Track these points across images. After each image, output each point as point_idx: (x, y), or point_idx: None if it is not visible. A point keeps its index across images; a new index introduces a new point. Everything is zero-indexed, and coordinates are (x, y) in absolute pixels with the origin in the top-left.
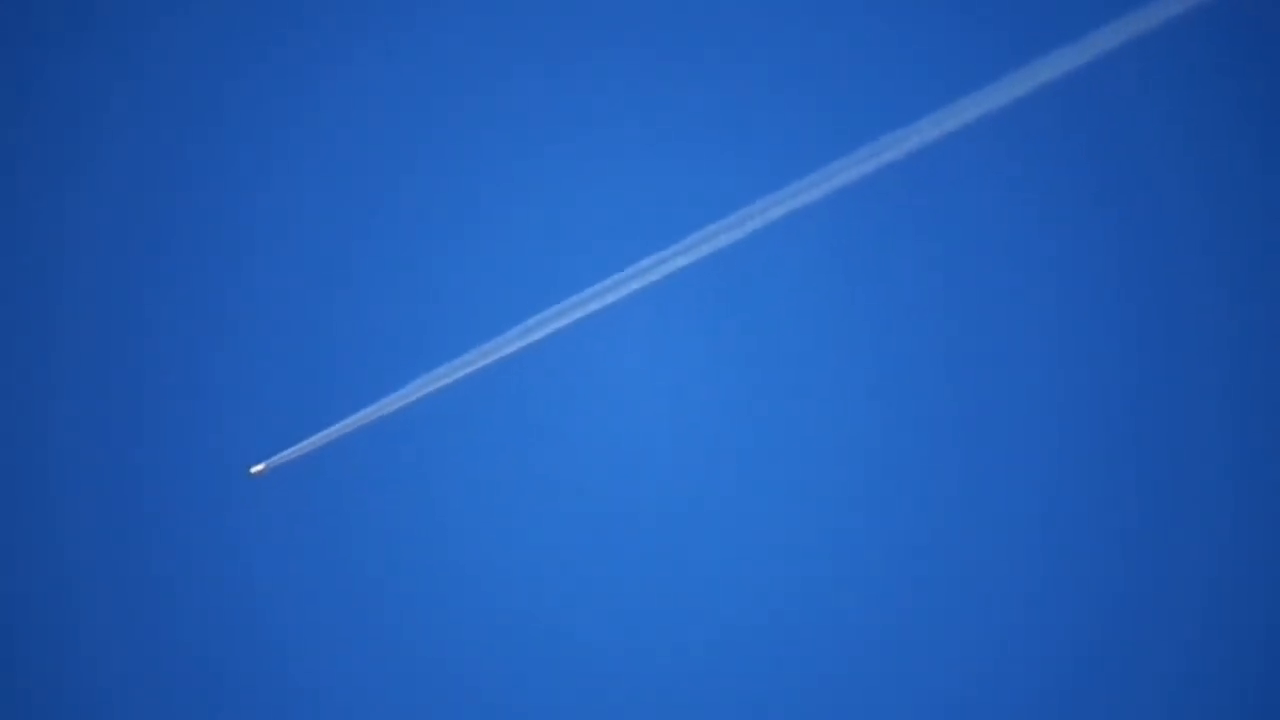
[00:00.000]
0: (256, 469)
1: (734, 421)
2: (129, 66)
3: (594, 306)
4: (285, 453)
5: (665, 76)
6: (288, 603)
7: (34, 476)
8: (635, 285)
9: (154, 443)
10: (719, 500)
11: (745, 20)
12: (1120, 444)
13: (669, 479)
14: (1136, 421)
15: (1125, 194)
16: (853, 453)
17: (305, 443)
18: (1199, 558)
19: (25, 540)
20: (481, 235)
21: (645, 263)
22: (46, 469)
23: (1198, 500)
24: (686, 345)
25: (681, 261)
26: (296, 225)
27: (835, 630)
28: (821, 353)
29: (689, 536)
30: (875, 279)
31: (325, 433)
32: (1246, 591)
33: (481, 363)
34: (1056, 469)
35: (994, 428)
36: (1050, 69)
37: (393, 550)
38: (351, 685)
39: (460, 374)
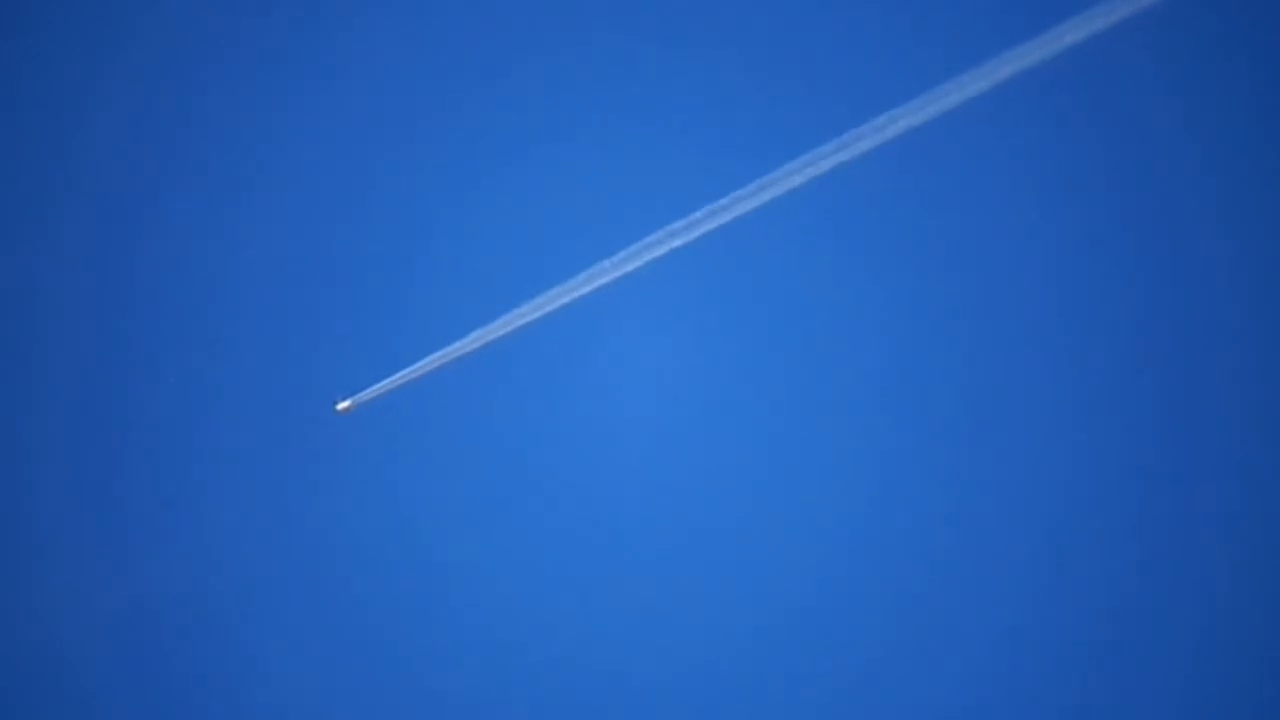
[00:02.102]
0: (343, 405)
1: (723, 406)
2: (141, 57)
3: (601, 281)
4: (369, 390)
5: (655, 64)
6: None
7: (128, 411)
8: (646, 259)
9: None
10: (707, 482)
11: (735, 3)
12: (1118, 429)
13: (668, 455)
14: (1131, 407)
15: (1115, 177)
16: (843, 433)
17: (385, 382)
18: (1198, 547)
19: (115, 468)
20: (505, 206)
21: (648, 240)
22: (141, 401)
23: (1195, 480)
24: (677, 330)
25: (672, 246)
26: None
27: (822, 615)
28: (811, 337)
29: (678, 514)
30: (866, 263)
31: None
32: (1247, 593)
33: (481, 343)
34: (1053, 453)
35: (987, 414)
36: (1038, 51)
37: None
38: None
39: (459, 355)
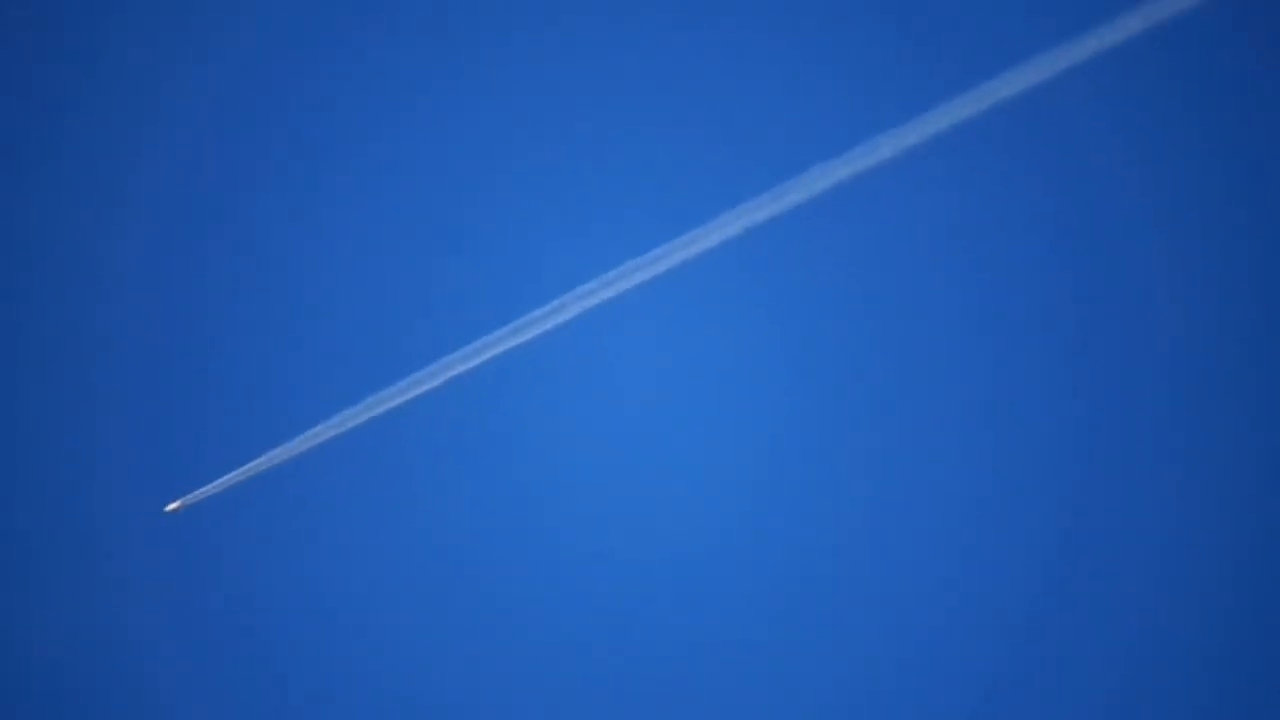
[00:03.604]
0: (173, 506)
1: (733, 420)
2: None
3: (587, 304)
4: (205, 488)
5: (665, 71)
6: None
7: None
8: (631, 283)
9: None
10: (717, 502)
11: (744, 16)
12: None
13: (662, 482)
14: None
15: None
16: (849, 447)
17: (226, 477)
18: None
19: None
20: (469, 236)
21: (643, 259)
22: None
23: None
24: (680, 345)
25: (679, 258)
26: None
27: (836, 633)
28: (820, 351)
29: (686, 542)
30: (873, 277)
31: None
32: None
33: (329, 435)
34: (1060, 460)
35: (986, 428)
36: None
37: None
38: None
39: (440, 380)
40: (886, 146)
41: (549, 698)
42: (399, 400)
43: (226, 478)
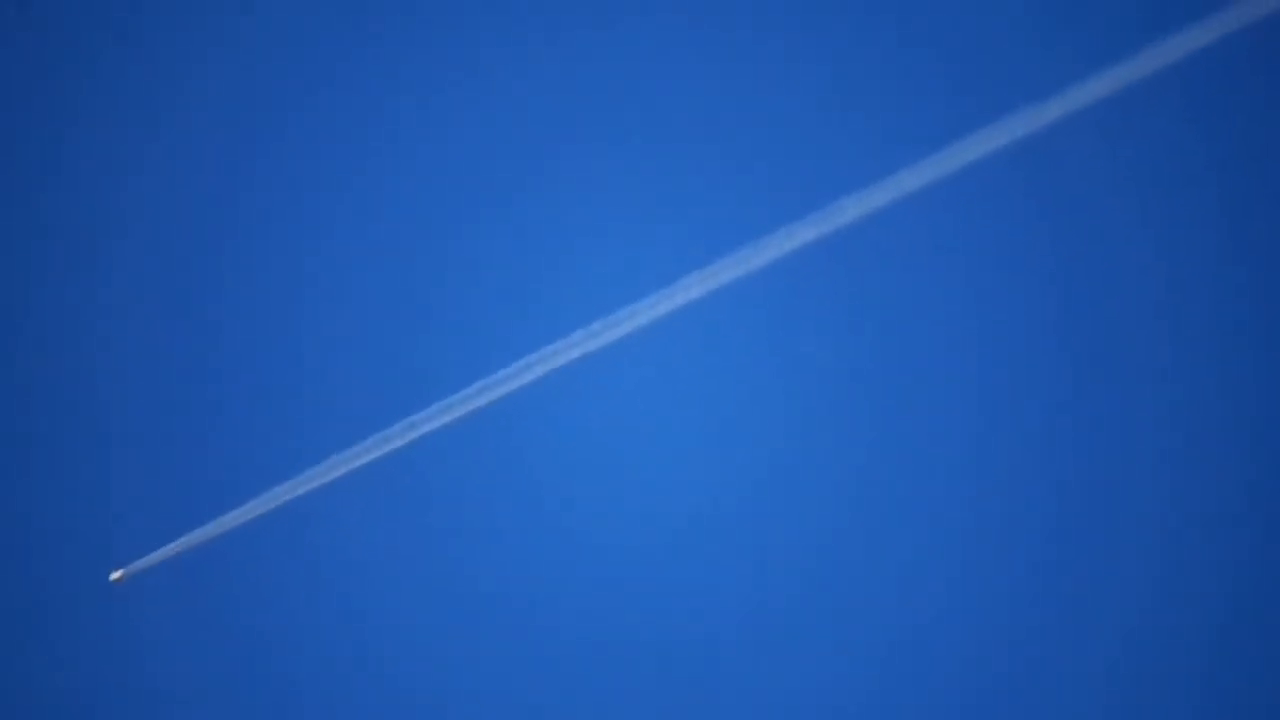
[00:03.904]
0: (116, 575)
1: (745, 456)
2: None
3: (590, 347)
4: (150, 556)
5: (683, 101)
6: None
7: None
8: (636, 324)
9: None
10: (723, 544)
11: (768, 39)
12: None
13: (680, 509)
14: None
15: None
16: (862, 478)
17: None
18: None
19: None
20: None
21: (652, 298)
22: None
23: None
24: (704, 370)
25: (691, 295)
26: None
27: (855, 648)
28: (836, 385)
29: (708, 566)
30: (889, 315)
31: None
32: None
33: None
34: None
35: (992, 453)
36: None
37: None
38: None
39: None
40: (870, 200)
41: None
42: (371, 456)
43: (183, 540)
